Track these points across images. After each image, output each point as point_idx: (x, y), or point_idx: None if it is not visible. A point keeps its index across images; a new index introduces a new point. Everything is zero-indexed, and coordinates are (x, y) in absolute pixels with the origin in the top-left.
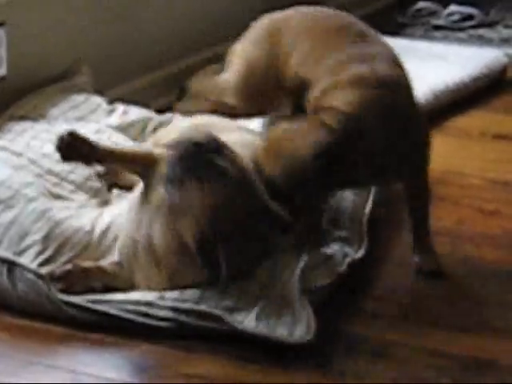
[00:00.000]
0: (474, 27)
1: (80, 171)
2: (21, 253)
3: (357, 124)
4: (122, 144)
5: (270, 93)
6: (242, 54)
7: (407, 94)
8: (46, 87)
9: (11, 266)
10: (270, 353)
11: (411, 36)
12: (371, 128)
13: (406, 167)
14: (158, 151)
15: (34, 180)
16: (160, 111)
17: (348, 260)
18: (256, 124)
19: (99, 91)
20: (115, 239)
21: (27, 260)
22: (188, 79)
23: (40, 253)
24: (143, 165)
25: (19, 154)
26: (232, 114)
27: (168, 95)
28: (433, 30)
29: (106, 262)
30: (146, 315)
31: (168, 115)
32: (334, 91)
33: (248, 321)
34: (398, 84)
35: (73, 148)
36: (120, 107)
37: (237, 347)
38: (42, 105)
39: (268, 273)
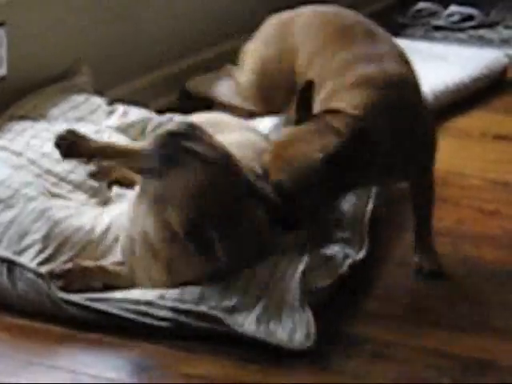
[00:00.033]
0: (474, 28)
1: (80, 171)
2: (21, 252)
3: (365, 126)
4: None
5: (283, 91)
6: (254, 53)
7: (415, 93)
8: (46, 87)
9: (11, 265)
10: (269, 353)
11: (411, 36)
12: (379, 129)
13: (412, 167)
14: (138, 145)
15: (33, 180)
16: (160, 111)
17: (349, 261)
18: (267, 123)
19: (99, 91)
20: (116, 239)
21: (27, 259)
22: (188, 79)
23: (40, 252)
24: (136, 160)
25: (19, 154)
26: (243, 113)
27: (168, 95)
28: (433, 31)
29: (107, 262)
30: (146, 315)
31: (168, 115)
32: (341, 93)
33: (248, 323)
34: (406, 83)
35: (72, 145)
36: (120, 108)
37: (237, 347)
38: (42, 105)
39: (268, 273)
